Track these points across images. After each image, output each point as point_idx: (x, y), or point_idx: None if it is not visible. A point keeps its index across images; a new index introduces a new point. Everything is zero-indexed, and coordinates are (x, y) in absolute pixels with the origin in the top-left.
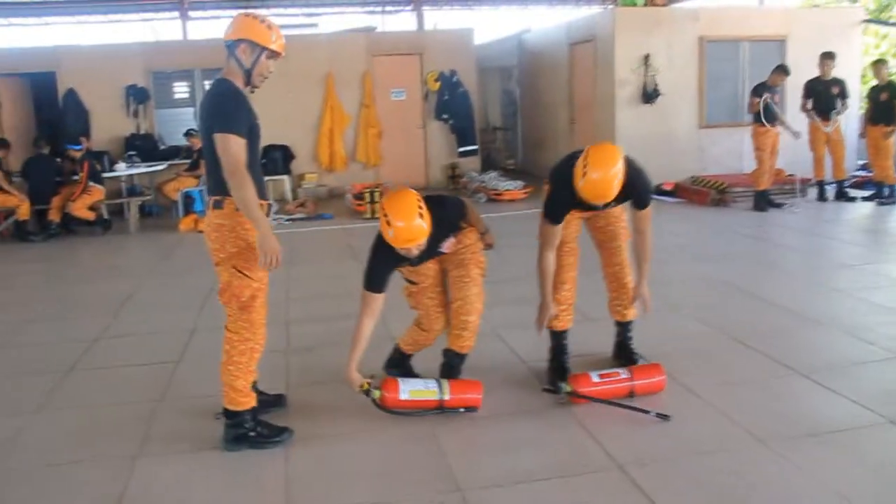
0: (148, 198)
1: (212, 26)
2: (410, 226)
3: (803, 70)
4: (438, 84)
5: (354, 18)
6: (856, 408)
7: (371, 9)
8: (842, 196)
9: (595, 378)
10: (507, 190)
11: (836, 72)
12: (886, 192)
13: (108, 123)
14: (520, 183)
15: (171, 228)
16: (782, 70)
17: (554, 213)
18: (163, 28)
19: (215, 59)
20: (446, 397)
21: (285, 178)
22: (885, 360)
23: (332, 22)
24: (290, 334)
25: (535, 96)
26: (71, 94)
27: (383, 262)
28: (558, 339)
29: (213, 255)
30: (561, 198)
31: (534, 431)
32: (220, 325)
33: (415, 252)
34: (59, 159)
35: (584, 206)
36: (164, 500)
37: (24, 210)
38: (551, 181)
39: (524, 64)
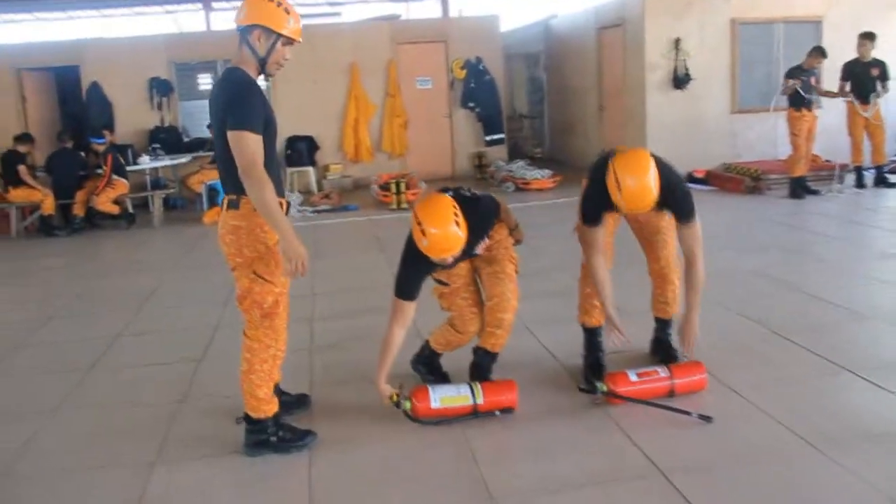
0: (172, 191)
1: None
2: (446, 234)
3: (841, 52)
4: (464, 72)
5: (378, 6)
6: None
7: None
8: (881, 182)
9: (633, 377)
10: (534, 179)
11: (876, 53)
12: None
13: (132, 116)
14: (547, 171)
15: (195, 221)
16: (819, 52)
17: (591, 214)
18: (185, 19)
19: None
20: (480, 402)
21: (310, 169)
22: None
23: (355, 10)
24: (314, 331)
25: (563, 83)
26: (95, 87)
27: (415, 267)
28: (592, 335)
29: (228, 260)
30: (597, 198)
31: (569, 434)
32: (243, 321)
33: (450, 260)
34: (83, 153)
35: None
36: None
37: (48, 204)
38: (588, 179)
39: (551, 50)
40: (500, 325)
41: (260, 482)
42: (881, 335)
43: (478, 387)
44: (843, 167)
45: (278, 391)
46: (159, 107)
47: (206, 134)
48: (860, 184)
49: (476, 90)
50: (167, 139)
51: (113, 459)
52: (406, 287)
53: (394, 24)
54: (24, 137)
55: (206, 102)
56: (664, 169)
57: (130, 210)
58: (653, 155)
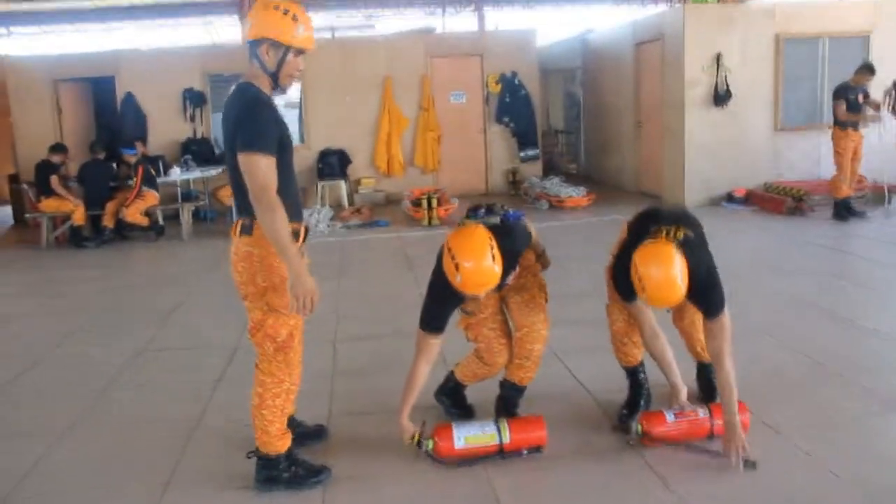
0: (202, 203)
1: None
2: (482, 269)
3: (890, 68)
4: (499, 86)
5: (413, 20)
6: None
7: (431, 9)
8: None
9: (670, 417)
10: (569, 197)
11: None
12: None
13: (166, 127)
14: (583, 189)
15: (223, 234)
16: (867, 69)
17: (624, 289)
18: (219, 31)
19: None
20: (506, 441)
21: (342, 182)
22: None
23: (390, 23)
24: (336, 354)
25: (599, 98)
26: (129, 98)
27: (442, 299)
28: (633, 374)
29: (240, 289)
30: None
31: (600, 477)
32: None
33: (482, 295)
34: (114, 164)
35: None
36: None
37: (79, 215)
38: (616, 253)
39: (588, 65)
40: (530, 356)
41: None
42: None
43: (504, 424)
44: (893, 188)
45: (293, 422)
46: (192, 118)
47: None
48: None
49: (511, 105)
50: (199, 151)
51: (118, 487)
52: (433, 321)
53: (428, 37)
54: (58, 147)
55: None
56: (692, 258)
57: (160, 222)
58: (681, 239)
